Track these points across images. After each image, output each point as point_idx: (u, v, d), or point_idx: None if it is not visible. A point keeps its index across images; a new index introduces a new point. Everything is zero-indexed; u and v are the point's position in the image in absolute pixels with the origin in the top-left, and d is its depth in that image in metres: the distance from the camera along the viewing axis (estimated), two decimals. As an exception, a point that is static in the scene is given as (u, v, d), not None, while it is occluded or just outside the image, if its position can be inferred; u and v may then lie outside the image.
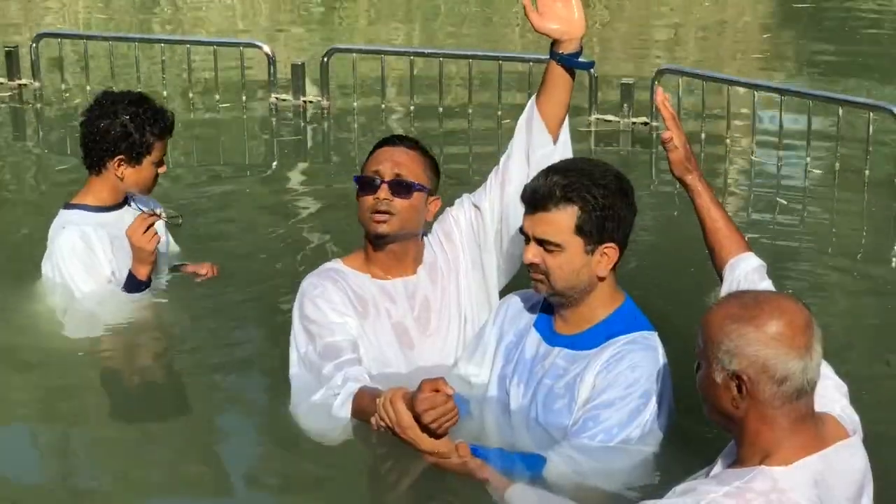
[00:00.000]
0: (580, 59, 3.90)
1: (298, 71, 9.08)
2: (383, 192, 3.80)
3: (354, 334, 3.83)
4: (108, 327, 4.59)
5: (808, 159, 7.45)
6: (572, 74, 3.92)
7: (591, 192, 3.47)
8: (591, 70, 8.44)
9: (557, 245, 3.48)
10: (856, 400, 3.19)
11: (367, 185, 3.83)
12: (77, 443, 3.95)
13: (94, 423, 4.09)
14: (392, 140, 3.93)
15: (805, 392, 2.83)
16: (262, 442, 3.90)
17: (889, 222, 6.71)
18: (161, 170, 4.70)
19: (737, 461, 2.91)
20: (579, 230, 3.48)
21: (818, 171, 7.45)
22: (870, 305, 5.27)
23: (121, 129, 4.55)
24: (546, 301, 3.70)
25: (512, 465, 3.40)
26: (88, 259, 4.58)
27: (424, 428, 3.34)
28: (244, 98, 9.11)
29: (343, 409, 3.64)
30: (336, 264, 4.00)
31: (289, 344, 3.90)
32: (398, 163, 3.84)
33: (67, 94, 9.25)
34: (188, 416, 4.10)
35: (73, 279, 4.58)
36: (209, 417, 4.06)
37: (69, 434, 3.97)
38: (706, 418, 2.98)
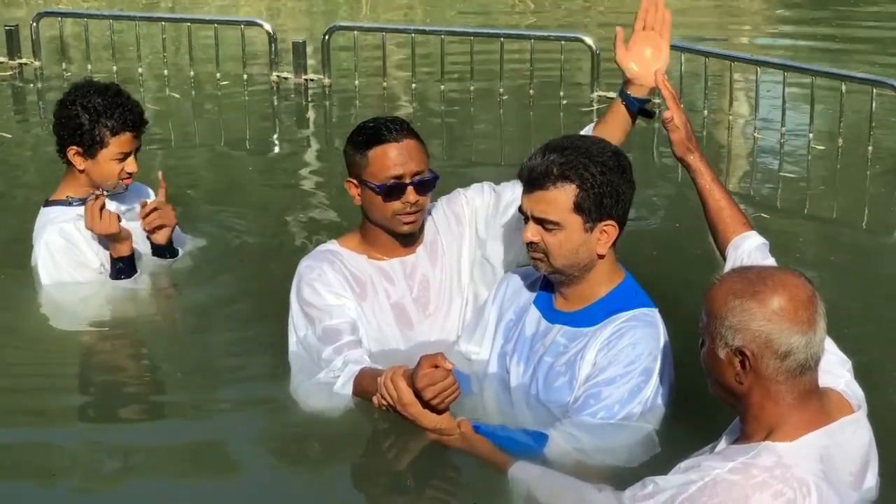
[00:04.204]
0: (644, 107, 3.98)
1: (299, 49, 9.05)
2: (411, 195, 3.77)
3: (353, 316, 3.82)
4: (102, 321, 4.55)
5: (811, 135, 7.43)
6: (633, 118, 3.96)
7: (589, 169, 3.46)
8: (594, 47, 8.43)
9: (556, 223, 3.47)
10: (858, 376, 3.19)
11: (393, 191, 3.77)
12: (79, 435, 3.93)
13: (93, 413, 4.10)
14: (390, 133, 3.77)
15: (809, 367, 2.83)
16: (260, 424, 3.88)
17: (892, 198, 6.69)
18: (129, 167, 4.55)
19: (741, 437, 2.92)
20: (578, 208, 3.47)
21: (821, 147, 7.42)
22: (873, 282, 5.26)
23: (75, 119, 4.50)
24: (546, 278, 3.69)
25: (513, 442, 3.40)
26: (74, 255, 4.55)
27: (426, 404, 3.35)
28: (245, 76, 9.09)
29: (345, 390, 3.64)
30: (332, 246, 3.97)
31: (286, 326, 3.89)
32: (413, 159, 3.78)
33: (68, 74, 9.22)
34: (184, 402, 4.07)
35: (61, 277, 4.53)
36: (206, 402, 4.04)
37: (68, 429, 3.95)
38: (709, 394, 2.98)
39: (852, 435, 2.94)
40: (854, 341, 4.22)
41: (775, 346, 2.80)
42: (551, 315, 3.66)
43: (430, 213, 4.02)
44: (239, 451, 3.71)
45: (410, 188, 3.76)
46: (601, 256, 3.55)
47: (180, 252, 4.83)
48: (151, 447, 3.74)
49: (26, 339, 4.49)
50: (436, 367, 3.31)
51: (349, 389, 3.63)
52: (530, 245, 3.53)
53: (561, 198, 3.46)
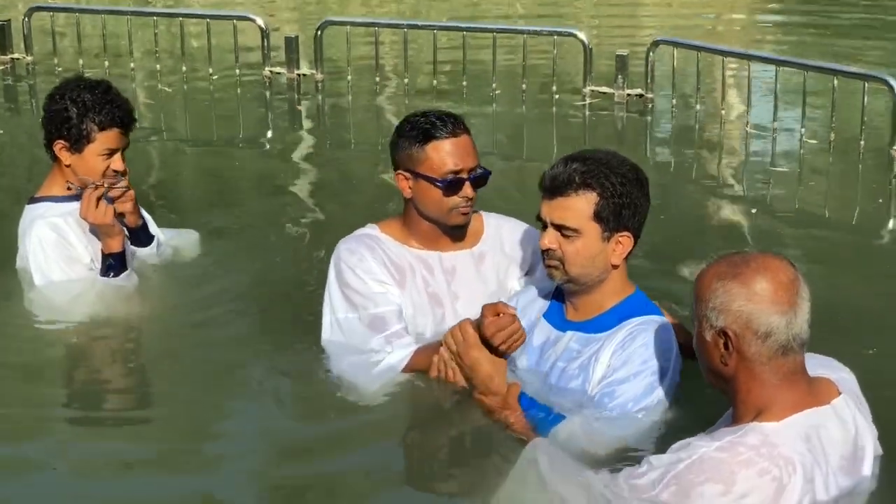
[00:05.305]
0: None
1: (292, 44, 9.05)
2: (468, 190, 3.82)
3: (398, 303, 3.87)
4: (93, 318, 4.51)
5: (803, 129, 7.44)
6: None
7: (610, 179, 3.51)
8: (586, 42, 8.45)
9: (575, 230, 3.52)
10: (852, 367, 3.22)
11: (453, 186, 3.81)
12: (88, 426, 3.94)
13: (87, 410, 4.09)
14: (447, 127, 3.81)
15: (791, 349, 2.90)
16: (256, 417, 3.89)
17: (883, 192, 6.70)
18: (115, 165, 4.51)
19: (732, 421, 2.98)
20: (597, 216, 3.52)
21: (813, 142, 7.44)
22: (863, 274, 5.27)
23: (63, 112, 4.50)
24: (556, 292, 3.74)
25: (541, 421, 3.47)
26: (65, 250, 4.52)
27: (493, 351, 3.46)
28: (237, 71, 9.08)
29: (400, 364, 3.74)
30: (371, 230, 4.00)
31: (316, 311, 3.92)
32: (470, 154, 3.83)
33: (60, 69, 9.21)
34: (179, 398, 4.06)
35: (52, 273, 4.50)
36: (201, 398, 4.03)
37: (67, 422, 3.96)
38: (711, 396, 3.01)
39: (841, 418, 2.99)
40: (845, 335, 4.26)
41: (755, 327, 2.87)
42: (562, 325, 3.70)
43: (492, 225, 4.06)
44: (234, 446, 3.71)
45: (468, 183, 3.82)
46: (615, 267, 3.61)
47: (156, 237, 4.81)
48: (145, 444, 3.73)
49: (16, 336, 4.48)
50: (499, 314, 3.42)
51: (404, 364, 3.74)
52: (546, 252, 3.58)
53: (581, 205, 3.51)
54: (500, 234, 4.06)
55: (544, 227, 3.58)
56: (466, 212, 3.86)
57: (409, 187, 3.86)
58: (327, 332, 3.94)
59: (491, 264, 4.01)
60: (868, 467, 3.04)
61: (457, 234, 3.97)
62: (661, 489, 2.86)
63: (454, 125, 3.82)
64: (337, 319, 3.91)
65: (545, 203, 3.57)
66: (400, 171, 3.88)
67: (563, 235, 3.53)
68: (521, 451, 3.21)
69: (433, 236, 3.95)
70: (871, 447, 3.05)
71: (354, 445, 3.65)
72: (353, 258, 3.90)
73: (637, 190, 3.56)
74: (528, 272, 4.05)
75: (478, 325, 3.50)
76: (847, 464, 2.98)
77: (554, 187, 3.53)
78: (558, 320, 3.71)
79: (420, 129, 3.82)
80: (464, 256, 3.99)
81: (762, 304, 2.87)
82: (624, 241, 3.57)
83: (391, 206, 6.19)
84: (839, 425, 2.98)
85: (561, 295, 3.73)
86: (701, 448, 2.86)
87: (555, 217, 3.54)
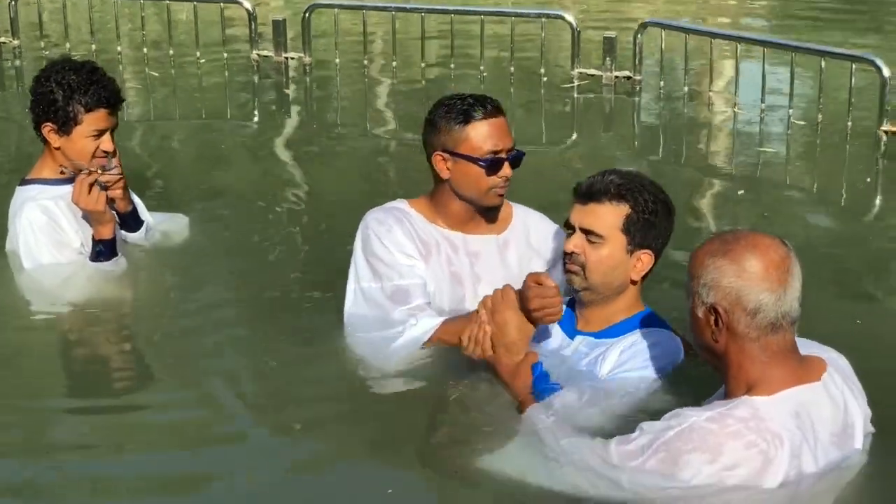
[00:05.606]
0: None
1: (279, 27, 9.02)
2: (507, 169, 3.88)
3: (423, 277, 3.91)
4: (83, 302, 4.51)
5: (791, 110, 7.46)
6: None
7: (643, 195, 3.61)
8: (574, 24, 8.44)
9: (602, 237, 3.60)
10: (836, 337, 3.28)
11: (494, 165, 3.86)
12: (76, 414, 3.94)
13: (81, 390, 4.10)
14: (485, 109, 3.87)
15: (780, 326, 2.94)
16: (246, 396, 3.90)
17: (870, 173, 6.73)
18: (104, 145, 4.48)
19: (725, 396, 3.03)
20: (626, 228, 3.60)
21: (801, 123, 7.45)
22: (851, 255, 5.30)
23: (49, 95, 4.48)
24: (570, 303, 3.79)
25: (543, 389, 3.52)
26: (55, 234, 4.51)
27: (528, 318, 3.56)
28: (225, 55, 9.06)
29: (424, 336, 3.78)
30: (401, 205, 4.03)
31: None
32: (508, 135, 3.89)
33: (47, 52, 9.18)
34: (169, 380, 4.07)
35: (42, 256, 4.50)
36: (191, 380, 4.04)
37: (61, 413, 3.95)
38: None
39: (830, 395, 3.03)
40: (830, 315, 4.29)
41: (744, 303, 2.92)
42: (572, 333, 3.76)
43: (519, 216, 4.10)
44: (228, 423, 3.72)
45: (507, 163, 3.88)
46: (633, 283, 3.68)
47: (146, 221, 4.80)
48: (139, 424, 3.74)
49: (3, 319, 4.47)
50: (539, 283, 3.52)
51: (429, 335, 3.78)
52: (570, 256, 3.64)
53: (612, 214, 3.60)
54: (527, 225, 4.11)
55: (571, 232, 3.66)
56: (503, 192, 3.93)
57: (448, 168, 3.90)
58: (350, 301, 3.98)
59: (514, 253, 4.05)
60: (858, 443, 3.08)
61: (489, 216, 4.02)
62: (650, 455, 2.93)
63: (492, 107, 3.89)
64: (361, 288, 3.95)
65: (577, 208, 3.66)
66: (438, 153, 3.91)
67: (588, 241, 3.62)
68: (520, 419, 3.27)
69: (464, 218, 3.99)
70: (860, 424, 3.09)
71: (367, 419, 3.69)
72: (381, 228, 3.93)
73: (665, 213, 3.67)
74: (549, 269, 4.06)
75: (519, 294, 3.58)
76: (837, 440, 3.02)
77: (589, 193, 3.63)
78: (569, 328, 3.77)
79: (460, 110, 3.88)
80: (489, 241, 4.04)
81: (751, 280, 2.91)
82: (645, 258, 3.65)
83: (380, 187, 6.22)
84: (829, 402, 3.01)
85: (572, 304, 3.79)
86: (691, 417, 2.93)
87: (584, 222, 3.63)
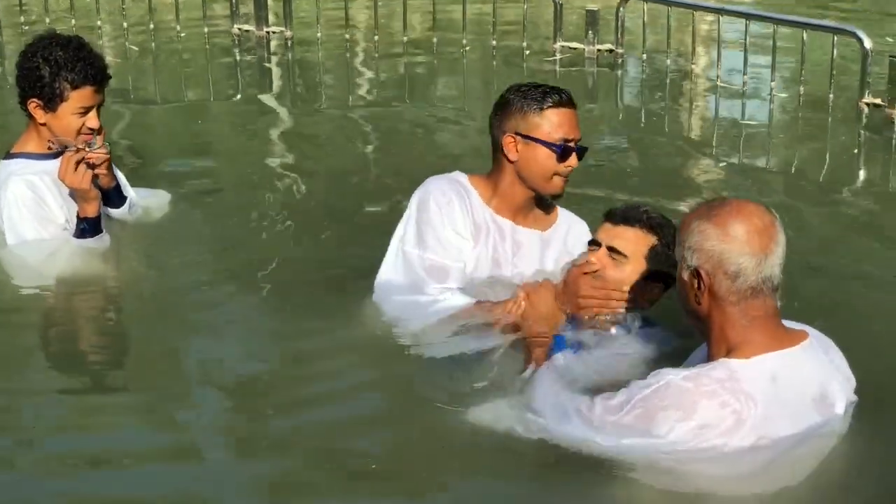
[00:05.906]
0: None
1: (260, 1, 8.98)
2: (574, 159, 3.90)
3: (466, 259, 3.92)
4: (66, 277, 4.48)
5: (773, 83, 7.47)
6: None
7: (671, 230, 3.65)
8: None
9: (626, 256, 3.68)
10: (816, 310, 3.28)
11: (566, 153, 3.87)
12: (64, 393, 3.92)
13: (63, 367, 4.08)
14: (562, 97, 3.88)
15: (761, 291, 3.00)
16: (231, 372, 3.90)
17: (853, 145, 6.75)
18: (90, 122, 4.45)
19: (707, 359, 3.09)
20: (649, 257, 3.68)
21: (783, 95, 7.47)
22: (833, 228, 5.32)
23: (36, 71, 4.46)
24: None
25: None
26: (40, 209, 4.49)
27: (570, 303, 3.69)
28: (206, 29, 9.01)
29: (456, 309, 3.82)
30: (462, 179, 4.02)
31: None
32: (578, 128, 3.91)
33: (27, 27, 9.12)
34: (153, 357, 4.06)
35: (26, 232, 4.46)
36: (174, 357, 4.03)
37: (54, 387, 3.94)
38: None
39: (811, 360, 3.07)
40: (812, 288, 4.31)
41: (726, 266, 2.98)
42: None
43: (565, 219, 4.13)
44: (208, 399, 3.71)
45: (575, 154, 3.90)
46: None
47: (129, 197, 4.79)
48: (121, 403, 3.73)
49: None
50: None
51: (459, 310, 3.82)
52: (589, 273, 3.71)
53: (641, 240, 3.69)
54: (570, 229, 4.13)
55: (596, 248, 3.73)
56: (563, 182, 3.93)
57: (517, 150, 3.90)
58: (390, 263, 3.98)
59: (553, 253, 4.08)
60: (839, 409, 3.11)
61: (542, 209, 4.05)
62: (628, 411, 3.00)
63: (567, 97, 3.91)
64: (403, 251, 3.95)
65: (606, 227, 3.74)
66: (509, 135, 3.91)
67: (611, 258, 3.69)
68: None
69: (518, 206, 4.00)
70: (841, 390, 3.13)
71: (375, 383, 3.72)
72: (442, 199, 3.93)
73: None
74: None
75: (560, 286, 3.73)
76: (816, 405, 3.07)
77: (622, 217, 3.73)
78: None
79: (536, 96, 3.90)
80: (534, 236, 4.06)
81: (733, 244, 2.97)
82: (657, 290, 3.72)
83: (362, 161, 6.21)
84: (808, 367, 3.06)
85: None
86: (668, 375, 3.00)
87: (612, 241, 3.71)
